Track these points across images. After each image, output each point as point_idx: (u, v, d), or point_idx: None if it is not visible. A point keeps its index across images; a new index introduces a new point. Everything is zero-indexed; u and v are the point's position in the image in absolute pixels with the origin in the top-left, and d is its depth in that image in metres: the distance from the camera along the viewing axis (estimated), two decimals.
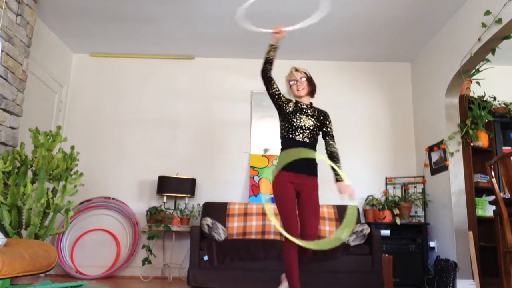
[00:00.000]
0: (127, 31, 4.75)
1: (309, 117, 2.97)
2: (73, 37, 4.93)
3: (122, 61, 5.34)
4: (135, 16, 4.42)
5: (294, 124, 2.92)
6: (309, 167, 2.94)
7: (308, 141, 2.93)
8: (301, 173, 2.89)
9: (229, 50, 5.16)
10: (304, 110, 3.00)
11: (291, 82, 3.02)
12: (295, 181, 2.88)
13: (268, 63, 2.97)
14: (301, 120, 2.94)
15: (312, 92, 3.07)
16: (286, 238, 2.73)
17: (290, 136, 2.92)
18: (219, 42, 4.96)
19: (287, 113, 2.95)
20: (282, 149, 2.96)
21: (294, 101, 3.04)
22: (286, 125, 2.95)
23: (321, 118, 3.03)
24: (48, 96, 4.82)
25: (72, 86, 5.26)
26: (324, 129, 3.03)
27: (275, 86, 2.99)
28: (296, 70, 3.03)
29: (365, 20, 4.38)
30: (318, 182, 3.03)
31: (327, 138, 3.03)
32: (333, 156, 2.98)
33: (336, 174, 2.93)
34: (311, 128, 2.95)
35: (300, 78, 3.00)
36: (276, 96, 2.99)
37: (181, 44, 5.05)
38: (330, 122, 3.06)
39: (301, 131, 2.92)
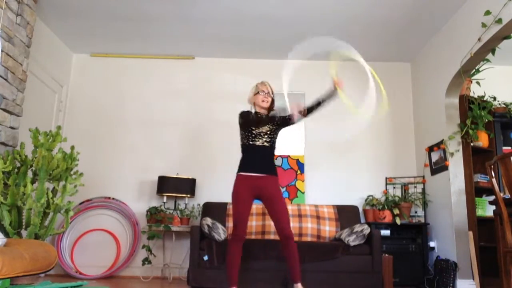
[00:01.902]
0: (127, 31, 4.75)
1: (266, 123, 3.20)
2: (73, 37, 4.93)
3: (122, 61, 5.34)
4: (135, 16, 4.42)
5: (253, 131, 3.16)
6: (266, 167, 3.15)
7: (267, 144, 3.18)
8: (260, 173, 3.12)
9: (229, 50, 5.16)
10: (263, 119, 3.22)
11: (261, 92, 3.23)
12: (253, 182, 3.10)
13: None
14: (259, 127, 3.17)
15: (271, 109, 3.30)
16: (232, 236, 3.11)
17: (251, 142, 3.16)
18: (219, 42, 4.96)
19: (246, 123, 3.19)
20: (243, 155, 3.21)
21: (253, 111, 3.27)
22: (246, 133, 3.18)
23: (276, 119, 3.25)
24: (48, 96, 4.82)
25: (72, 86, 5.26)
26: (288, 118, 3.22)
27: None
28: (270, 86, 3.28)
29: (365, 20, 4.38)
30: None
31: (287, 118, 3.21)
32: (314, 103, 3.21)
33: (322, 100, 3.21)
34: (268, 132, 3.18)
35: (269, 93, 3.24)
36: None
37: (181, 44, 5.05)
38: (284, 114, 3.24)
39: (260, 137, 3.15)
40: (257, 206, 4.51)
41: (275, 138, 3.25)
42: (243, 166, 3.15)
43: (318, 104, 3.20)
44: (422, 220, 4.69)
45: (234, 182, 3.14)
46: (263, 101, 3.22)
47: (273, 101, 3.28)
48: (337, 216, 4.46)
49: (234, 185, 3.13)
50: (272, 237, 4.24)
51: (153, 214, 4.46)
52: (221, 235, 3.92)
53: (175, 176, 4.69)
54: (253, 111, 3.28)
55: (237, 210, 3.08)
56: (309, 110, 3.21)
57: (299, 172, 4.98)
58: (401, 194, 4.87)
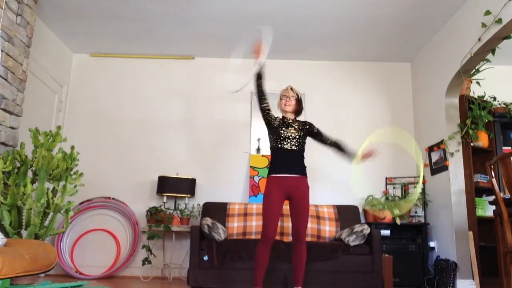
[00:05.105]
0: (127, 31, 4.75)
1: (294, 129, 3.27)
2: (73, 37, 4.93)
3: (122, 61, 5.35)
4: (135, 16, 4.42)
5: (282, 135, 3.22)
6: (296, 168, 3.19)
7: (295, 148, 3.22)
8: (291, 174, 3.16)
9: (229, 50, 5.15)
10: (290, 123, 3.29)
11: (282, 97, 3.33)
12: (286, 183, 3.13)
13: (260, 78, 3.32)
14: (287, 131, 3.24)
15: (298, 111, 3.37)
16: (261, 237, 3.09)
17: (279, 145, 3.21)
18: (219, 42, 4.96)
19: (275, 127, 3.26)
20: (272, 158, 3.25)
21: (281, 116, 3.34)
22: (275, 137, 3.25)
23: (306, 127, 3.33)
24: (48, 96, 4.81)
25: (72, 86, 5.26)
26: (314, 132, 3.34)
27: (267, 101, 3.33)
28: (291, 89, 3.35)
29: (365, 20, 4.38)
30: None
31: (322, 135, 3.33)
32: (337, 142, 3.29)
33: (349, 153, 3.27)
34: (297, 137, 3.24)
35: (291, 96, 3.32)
36: (266, 112, 3.33)
37: (181, 44, 5.05)
38: (315, 127, 3.36)
39: (289, 141, 3.21)
40: (257, 205, 4.52)
41: (304, 143, 3.29)
42: (274, 168, 3.18)
43: (339, 148, 3.28)
44: (422, 220, 4.69)
45: (266, 183, 3.17)
46: (285, 105, 3.30)
47: (298, 103, 3.32)
48: (337, 216, 4.46)
49: (266, 187, 3.15)
50: None
51: (153, 214, 4.46)
52: (221, 235, 3.92)
53: (175, 176, 4.69)
54: (281, 116, 3.35)
55: (268, 211, 3.07)
56: (332, 144, 3.29)
57: None
58: (401, 194, 4.87)
